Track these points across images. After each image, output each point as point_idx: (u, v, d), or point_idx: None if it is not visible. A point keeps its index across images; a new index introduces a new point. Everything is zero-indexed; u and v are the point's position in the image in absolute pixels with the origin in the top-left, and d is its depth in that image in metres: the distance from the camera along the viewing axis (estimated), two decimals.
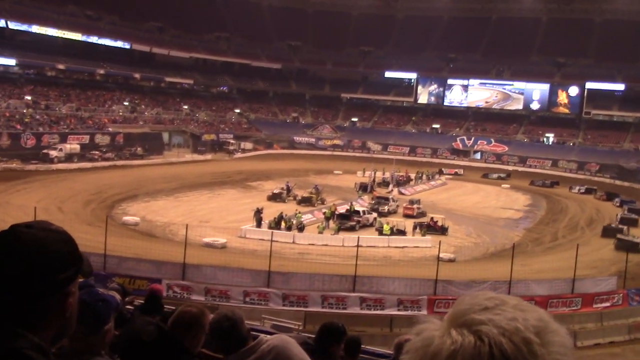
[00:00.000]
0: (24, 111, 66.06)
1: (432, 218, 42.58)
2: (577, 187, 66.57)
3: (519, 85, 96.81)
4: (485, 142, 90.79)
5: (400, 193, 57.23)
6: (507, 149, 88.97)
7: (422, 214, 45.90)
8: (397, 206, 48.21)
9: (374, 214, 43.45)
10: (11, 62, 74.17)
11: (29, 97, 70.81)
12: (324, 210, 43.32)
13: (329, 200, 49.07)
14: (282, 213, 39.53)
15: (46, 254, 1.64)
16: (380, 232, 38.93)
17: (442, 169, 76.78)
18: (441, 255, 30.08)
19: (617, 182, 72.72)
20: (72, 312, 1.74)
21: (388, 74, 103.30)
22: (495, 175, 75.86)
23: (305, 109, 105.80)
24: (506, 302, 1.21)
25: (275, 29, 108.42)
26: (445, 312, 1.23)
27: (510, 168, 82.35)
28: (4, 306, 1.60)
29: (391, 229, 39.12)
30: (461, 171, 77.02)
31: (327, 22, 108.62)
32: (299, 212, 41.00)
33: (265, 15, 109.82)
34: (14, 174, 50.70)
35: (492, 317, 1.17)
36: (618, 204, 56.26)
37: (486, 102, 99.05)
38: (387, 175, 63.45)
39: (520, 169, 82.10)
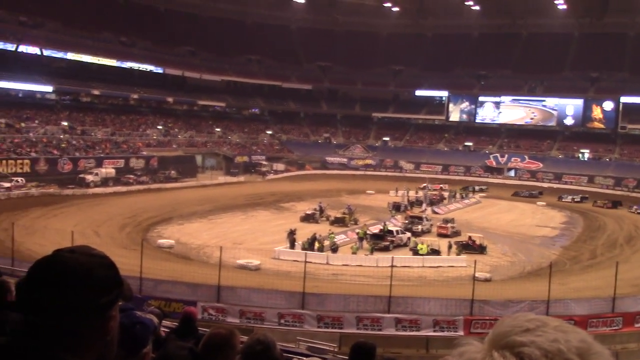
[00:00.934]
0: (61, 137, 67.47)
1: (470, 237, 42.10)
2: (571, 197, 69.29)
3: (552, 101, 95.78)
4: (519, 159, 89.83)
5: (434, 212, 56.81)
6: (541, 165, 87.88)
7: (457, 233, 45.43)
8: (431, 225, 47.81)
9: (408, 234, 43.13)
10: (48, 89, 75.89)
11: (65, 123, 72.33)
12: (357, 231, 43.13)
13: (361, 221, 48.83)
14: (314, 234, 39.49)
15: (89, 278, 1.67)
16: (415, 252, 38.59)
17: (470, 186, 76.33)
18: (477, 274, 29.68)
19: None
20: (114, 335, 1.77)
21: (419, 92, 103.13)
22: (526, 193, 74.93)
23: (336, 129, 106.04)
24: (547, 324, 1.19)
25: (305, 50, 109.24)
26: (482, 332, 1.22)
27: (545, 185, 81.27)
28: (48, 330, 1.64)
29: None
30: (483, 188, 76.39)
31: (356, 42, 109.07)
32: (332, 233, 40.91)
33: (295, 37, 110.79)
34: (52, 199, 51.64)
35: (534, 339, 1.15)
36: None
37: (519, 119, 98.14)
38: (420, 194, 63.07)
39: (556, 185, 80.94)
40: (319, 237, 39.02)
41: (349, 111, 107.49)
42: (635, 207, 63.05)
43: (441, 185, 68.08)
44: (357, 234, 42.03)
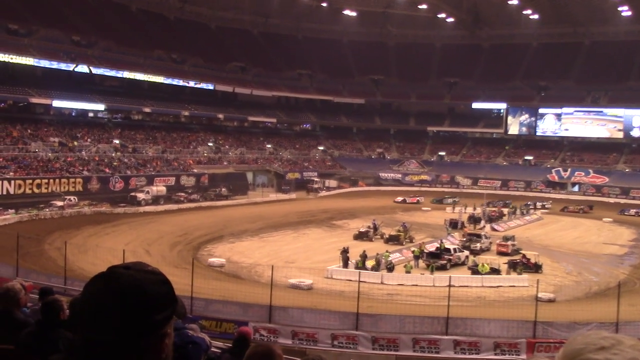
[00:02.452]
0: (113, 155, 69.18)
1: (523, 255, 41.31)
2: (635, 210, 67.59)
3: (617, 111, 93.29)
4: (583, 174, 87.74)
5: (493, 229, 55.96)
6: (607, 180, 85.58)
7: (518, 252, 44.61)
8: (490, 243, 47.07)
9: (466, 252, 42.55)
10: (100, 107, 77.83)
11: (117, 141, 74.15)
12: (412, 249, 42.82)
13: (417, 238, 48.50)
14: (364, 252, 39.28)
15: (144, 295, 1.70)
16: (474, 271, 38.01)
17: (530, 202, 74.97)
18: (540, 294, 29.04)
19: None
20: (168, 353, 1.78)
21: (475, 105, 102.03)
22: (574, 207, 73.49)
23: (390, 144, 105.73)
24: (622, 342, 1.16)
25: (357, 63, 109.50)
26: (547, 356, 1.20)
27: (611, 200, 79.16)
28: (104, 347, 1.67)
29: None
30: (547, 206, 74.90)
31: (410, 54, 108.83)
32: (387, 251, 40.68)
33: (346, 51, 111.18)
34: (104, 217, 52.89)
35: (610, 357, 1.11)
36: None
37: (582, 131, 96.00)
38: (478, 210, 62.34)
39: (623, 200, 78.69)
40: (378, 256, 38.81)
41: (403, 125, 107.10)
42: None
43: (501, 208, 67.26)
44: (413, 252, 41.71)
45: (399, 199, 75.52)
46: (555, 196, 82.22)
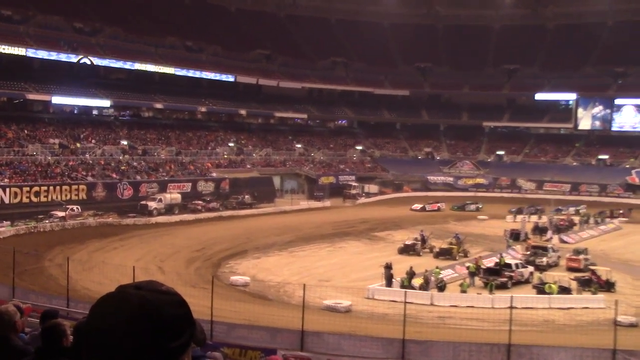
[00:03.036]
0: (120, 158, 70.00)
1: (592, 271, 40.71)
2: None
3: None
4: None
5: (562, 241, 55.28)
6: None
7: (590, 267, 43.97)
8: (559, 257, 46.51)
9: (530, 268, 42.10)
10: (105, 103, 78.80)
11: (124, 142, 75.05)
12: (467, 265, 42.47)
13: (473, 252, 48.11)
14: (411, 268, 39.12)
15: (158, 319, 1.70)
16: (540, 290, 37.56)
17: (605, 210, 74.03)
18: (619, 318, 28.56)
19: None
20: None
21: (539, 96, 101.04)
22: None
23: (440, 143, 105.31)
24: None
25: (400, 50, 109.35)
26: None
27: None
28: None
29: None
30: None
31: (463, 38, 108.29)
32: (437, 268, 40.43)
33: (388, 35, 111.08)
34: (111, 229, 53.51)
35: None
36: None
37: None
38: (544, 219, 61.48)
39: None
40: (426, 273, 38.62)
41: (454, 120, 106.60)
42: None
43: (571, 216, 66.56)
44: (468, 268, 41.37)
45: (417, 206, 75.39)
46: (635, 202, 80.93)
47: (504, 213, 69.51)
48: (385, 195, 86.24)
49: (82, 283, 34.78)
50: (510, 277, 39.57)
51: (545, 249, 47.70)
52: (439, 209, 75.45)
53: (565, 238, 56.97)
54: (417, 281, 38.03)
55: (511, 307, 27.40)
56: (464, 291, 37.38)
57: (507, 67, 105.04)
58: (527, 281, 40.13)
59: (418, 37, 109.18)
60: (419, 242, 49.87)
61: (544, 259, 45.18)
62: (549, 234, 57.47)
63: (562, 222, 62.54)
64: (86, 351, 1.71)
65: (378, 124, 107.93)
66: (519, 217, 64.44)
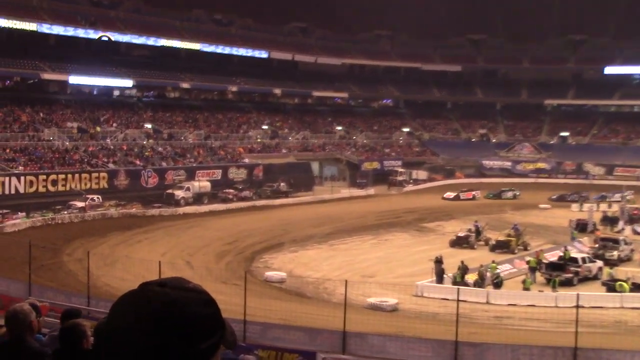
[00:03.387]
0: (144, 143, 70.68)
1: None
2: None
3: None
4: None
5: (635, 232, 54.59)
6: None
7: None
8: (632, 251, 45.94)
9: (599, 263, 41.63)
10: (127, 83, 79.43)
11: (149, 125, 75.73)
12: (527, 259, 42.16)
13: (533, 245, 47.75)
14: (462, 262, 38.95)
15: (184, 319, 1.70)
16: (610, 287, 37.14)
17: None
18: None
19: None
20: None
21: (609, 70, 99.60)
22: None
23: (496, 123, 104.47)
24: None
25: (451, 20, 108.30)
26: None
27: None
28: None
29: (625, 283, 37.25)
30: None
31: (521, 6, 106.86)
32: (494, 262, 40.21)
33: (437, 4, 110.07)
34: (134, 221, 54.01)
35: None
36: None
37: None
38: (615, 208, 60.69)
39: None
40: (482, 268, 38.40)
41: (512, 98, 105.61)
42: None
43: None
44: (528, 263, 41.05)
45: (450, 194, 75.05)
46: None
47: (569, 201, 68.90)
48: (435, 182, 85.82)
49: (104, 279, 35.22)
50: (576, 273, 39.16)
51: (616, 241, 47.12)
52: (473, 198, 75.14)
53: (639, 229, 56.21)
54: (471, 277, 37.87)
55: (577, 306, 27.12)
56: (526, 288, 37.10)
57: (573, 37, 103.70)
58: (595, 277, 39.65)
59: (471, 5, 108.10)
60: (473, 234, 49.60)
61: (615, 253, 44.63)
62: (621, 224, 56.77)
63: (635, 212, 61.62)
64: (106, 353, 1.72)
65: (427, 104, 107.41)
66: (586, 206, 63.66)
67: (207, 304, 1.78)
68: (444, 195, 75.21)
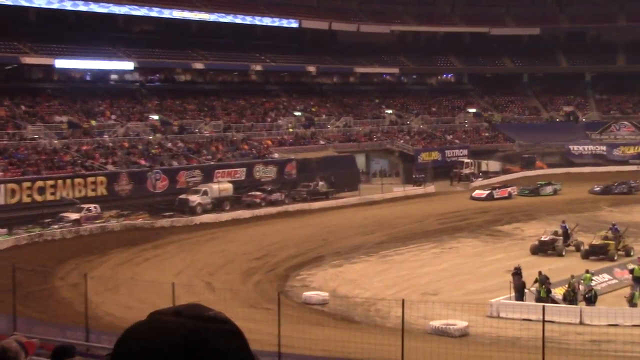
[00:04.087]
0: (150, 138, 70.97)
1: None
2: None
3: None
4: None
5: None
6: None
7: None
8: None
9: None
10: (128, 65, 79.71)
11: (155, 117, 76.15)
12: (630, 267, 41.73)
13: (638, 249, 47.25)
14: (541, 273, 38.58)
15: (205, 355, 1.72)
16: None
17: None
18: None
19: None
20: None
21: None
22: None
23: (585, 98, 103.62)
24: None
25: None
26: None
27: None
28: None
29: None
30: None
31: None
32: (588, 272, 39.84)
33: None
34: (141, 235, 54.22)
35: None
36: None
37: None
38: None
39: None
40: (573, 280, 38.08)
41: (606, 66, 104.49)
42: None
43: None
44: (632, 272, 40.65)
45: (482, 193, 73.53)
46: None
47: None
48: (511, 175, 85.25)
49: (105, 308, 35.43)
50: None
51: None
52: (509, 196, 73.69)
53: None
54: (559, 291, 37.60)
55: None
56: (633, 304, 36.73)
57: None
58: None
59: None
60: (561, 238, 49.24)
61: None
62: None
63: None
64: None
65: (497, 77, 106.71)
66: None
67: (233, 336, 1.80)
68: (473, 195, 73.92)
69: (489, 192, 73.90)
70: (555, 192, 75.55)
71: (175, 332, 1.73)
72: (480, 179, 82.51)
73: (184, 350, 1.71)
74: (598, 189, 74.26)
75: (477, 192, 74.41)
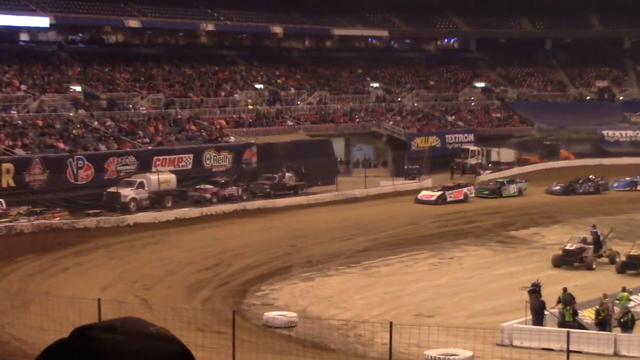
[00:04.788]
0: (70, 115, 70.68)
1: None
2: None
3: None
4: None
5: None
6: None
7: None
8: None
9: None
10: (42, 22, 79.35)
11: (77, 88, 75.74)
12: None
13: None
14: (566, 291, 38.73)
15: None
16: None
17: None
18: None
19: None
20: None
21: None
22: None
23: (623, 70, 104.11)
24: None
25: None
26: None
27: None
28: None
29: None
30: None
31: None
32: (625, 290, 40.04)
33: None
34: (58, 238, 54.02)
35: None
36: None
37: None
38: None
39: None
40: (605, 300, 38.23)
41: None
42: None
43: None
44: None
45: (427, 194, 71.88)
46: None
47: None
48: (529, 166, 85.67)
49: (11, 330, 35.27)
50: None
51: None
52: (465, 198, 72.69)
53: None
54: (587, 314, 37.75)
55: None
56: None
57: None
58: None
59: None
60: (591, 247, 49.42)
61: None
62: None
63: None
64: None
65: (512, 43, 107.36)
66: None
67: (181, 358, 1.79)
68: (419, 196, 71.97)
69: (440, 193, 72.23)
70: (520, 192, 74.91)
71: (111, 352, 1.69)
72: (489, 171, 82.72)
73: None
74: (558, 188, 74.34)
75: (424, 194, 72.46)
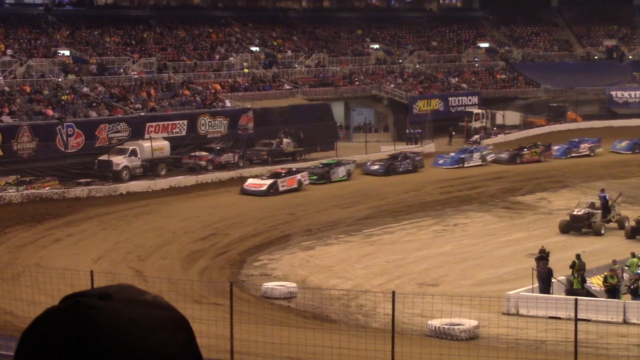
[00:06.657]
0: (59, 80, 70.58)
1: None
2: None
3: None
4: None
5: None
6: None
7: None
8: None
9: None
10: None
11: (66, 52, 75.64)
12: None
13: None
14: (578, 257, 38.71)
15: (143, 352, 1.72)
16: None
17: None
18: None
19: None
20: None
21: None
22: None
23: (633, 28, 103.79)
24: None
25: None
26: None
27: None
28: None
29: None
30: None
31: None
32: (636, 255, 40.05)
33: None
34: (48, 208, 53.97)
35: None
36: None
37: None
38: None
39: None
40: (615, 267, 38.23)
41: None
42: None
43: None
44: None
45: (259, 183, 61.58)
46: None
47: None
48: (535, 129, 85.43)
49: (1, 304, 35.27)
50: None
51: None
52: (299, 186, 64.31)
53: None
54: (596, 280, 37.77)
55: None
56: None
57: None
58: None
59: None
60: (599, 212, 49.42)
61: None
62: None
63: None
64: None
65: (516, 1, 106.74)
66: None
67: (178, 327, 1.80)
68: (245, 186, 63.19)
69: (271, 181, 63.63)
70: (349, 174, 69.27)
71: (106, 321, 1.69)
72: (492, 135, 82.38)
73: (117, 345, 1.69)
74: (377, 167, 70.24)
75: (252, 182, 64.08)
